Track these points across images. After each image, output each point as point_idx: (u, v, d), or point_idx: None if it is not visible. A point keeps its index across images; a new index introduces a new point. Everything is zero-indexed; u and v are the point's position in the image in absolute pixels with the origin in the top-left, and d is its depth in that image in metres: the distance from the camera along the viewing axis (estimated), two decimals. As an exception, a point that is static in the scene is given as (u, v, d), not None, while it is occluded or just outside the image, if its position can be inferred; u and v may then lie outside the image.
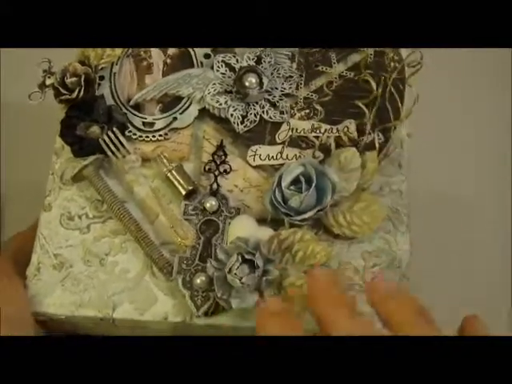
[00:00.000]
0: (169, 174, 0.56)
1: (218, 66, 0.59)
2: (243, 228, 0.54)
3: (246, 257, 0.51)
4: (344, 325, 0.42)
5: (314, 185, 0.52)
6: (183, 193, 0.56)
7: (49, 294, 0.55)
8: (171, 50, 0.61)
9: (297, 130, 0.58)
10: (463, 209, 0.74)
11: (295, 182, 0.53)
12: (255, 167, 0.57)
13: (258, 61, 0.59)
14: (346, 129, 0.57)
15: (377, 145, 0.55)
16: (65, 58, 0.61)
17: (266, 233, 0.54)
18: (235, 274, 0.51)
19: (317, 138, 0.57)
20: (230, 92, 0.58)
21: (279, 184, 0.53)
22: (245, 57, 0.59)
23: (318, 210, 0.53)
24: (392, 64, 0.59)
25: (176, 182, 0.56)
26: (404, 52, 0.59)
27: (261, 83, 0.57)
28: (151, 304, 0.54)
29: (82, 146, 0.57)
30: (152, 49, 0.61)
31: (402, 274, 0.54)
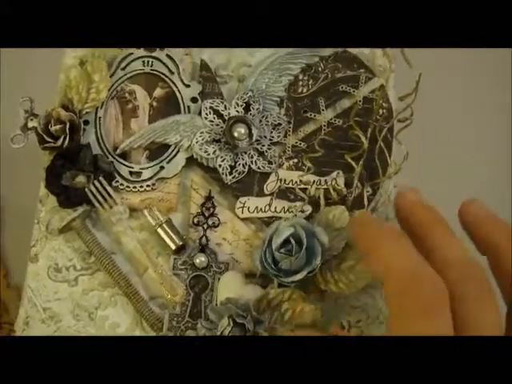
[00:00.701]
0: (159, 229, 0.56)
1: (206, 113, 0.58)
2: (232, 285, 0.55)
3: (237, 320, 0.52)
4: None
5: (304, 247, 0.53)
6: (173, 248, 0.56)
7: (38, 349, 0.55)
8: (157, 92, 0.60)
9: (285, 181, 0.58)
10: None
11: (285, 243, 0.54)
12: (243, 219, 0.58)
13: (247, 107, 0.59)
14: (334, 181, 0.57)
15: (366, 201, 0.56)
16: (45, 88, 0.60)
17: (254, 292, 0.54)
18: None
19: (304, 190, 0.57)
20: (219, 141, 0.58)
21: (269, 245, 0.54)
22: (233, 103, 0.59)
23: (309, 272, 0.53)
24: (380, 111, 0.59)
25: (166, 237, 0.56)
26: (394, 103, 0.59)
27: (250, 134, 0.57)
28: (142, 360, 0.55)
29: (68, 197, 0.57)
30: (136, 89, 0.60)
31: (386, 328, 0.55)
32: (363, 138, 0.57)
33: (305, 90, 0.60)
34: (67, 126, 0.57)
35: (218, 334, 0.51)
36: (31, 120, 0.59)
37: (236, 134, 0.57)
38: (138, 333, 0.55)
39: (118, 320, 0.56)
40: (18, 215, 0.80)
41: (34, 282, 0.57)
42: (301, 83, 0.60)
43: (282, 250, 0.54)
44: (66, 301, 0.56)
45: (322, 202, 0.56)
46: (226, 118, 0.58)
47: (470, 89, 0.81)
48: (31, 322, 0.56)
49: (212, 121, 0.58)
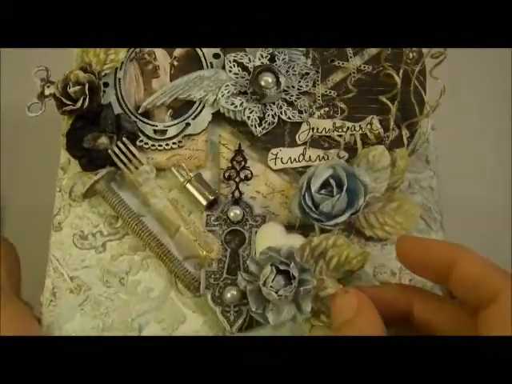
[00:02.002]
0: (188, 185, 0.53)
1: (230, 66, 0.56)
2: (272, 236, 0.51)
3: (281, 267, 0.48)
4: None
5: (345, 188, 0.50)
6: (204, 203, 0.53)
7: (68, 319, 0.51)
8: (177, 52, 0.58)
9: (318, 129, 0.55)
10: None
11: (324, 185, 0.51)
12: (277, 171, 0.54)
13: (272, 59, 0.56)
14: (369, 126, 0.54)
15: (405, 141, 0.53)
16: (60, 61, 0.58)
17: (296, 240, 0.51)
18: (271, 286, 0.48)
19: (339, 136, 0.54)
20: (245, 93, 0.55)
21: (308, 188, 0.50)
22: (257, 55, 0.56)
23: (352, 214, 0.50)
24: (411, 55, 0.56)
25: (196, 192, 0.53)
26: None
27: (278, 82, 0.54)
28: (180, 322, 0.51)
29: (91, 159, 0.54)
30: (156, 50, 0.58)
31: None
32: (397, 78, 0.54)
33: (330, 40, 0.58)
34: (86, 87, 0.54)
35: (261, 283, 0.48)
36: (48, 87, 0.56)
37: (263, 83, 0.54)
38: (173, 295, 0.52)
39: (150, 284, 0.52)
40: (18, 215, 0.77)
41: (58, 252, 0.53)
42: (325, 33, 0.58)
43: (322, 192, 0.50)
44: (94, 268, 0.53)
45: (359, 144, 0.53)
46: (251, 70, 0.55)
47: (470, 89, 0.80)
48: (58, 293, 0.52)
49: (237, 73, 0.56)
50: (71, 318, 0.51)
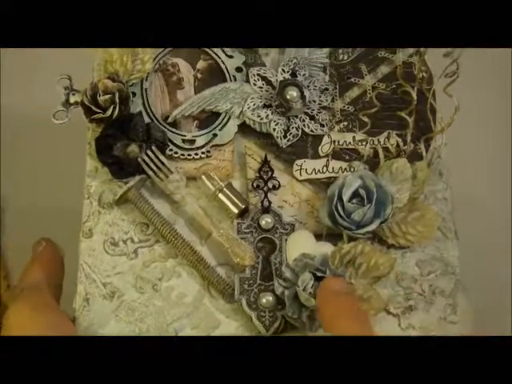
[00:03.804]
0: (220, 194, 0.55)
1: (255, 80, 0.58)
2: (302, 244, 0.53)
3: (318, 274, 0.51)
4: None
5: (374, 197, 0.53)
6: (236, 211, 0.54)
7: (103, 325, 0.52)
8: (200, 64, 0.59)
9: (339, 142, 0.58)
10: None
11: (355, 195, 0.53)
12: (302, 181, 0.57)
13: (293, 74, 0.59)
14: (387, 140, 0.58)
15: (424, 154, 0.56)
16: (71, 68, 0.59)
17: (327, 248, 0.53)
18: (310, 292, 0.50)
19: (362, 149, 0.57)
20: (270, 106, 0.58)
21: (340, 198, 0.53)
22: (279, 70, 0.59)
23: (381, 222, 0.53)
24: (420, 74, 0.60)
25: (228, 201, 0.54)
26: (430, 63, 0.60)
27: (302, 96, 0.57)
28: (214, 328, 0.52)
29: (122, 167, 0.54)
30: (179, 62, 0.59)
31: (457, 279, 0.55)
32: (414, 94, 0.58)
33: (345, 58, 0.61)
34: (116, 96, 0.55)
35: (301, 289, 0.50)
36: (73, 95, 0.57)
37: (289, 97, 0.57)
38: (206, 300, 0.53)
39: (184, 290, 0.53)
40: (18, 216, 0.77)
41: (90, 258, 0.54)
42: (341, 51, 0.61)
43: (353, 201, 0.53)
44: (127, 274, 0.53)
45: (382, 156, 0.56)
46: (275, 84, 0.58)
47: (469, 89, 0.83)
48: (91, 299, 0.52)
49: (261, 87, 0.58)
50: (106, 324, 0.52)
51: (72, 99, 0.57)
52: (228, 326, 0.52)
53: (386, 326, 0.53)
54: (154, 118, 0.57)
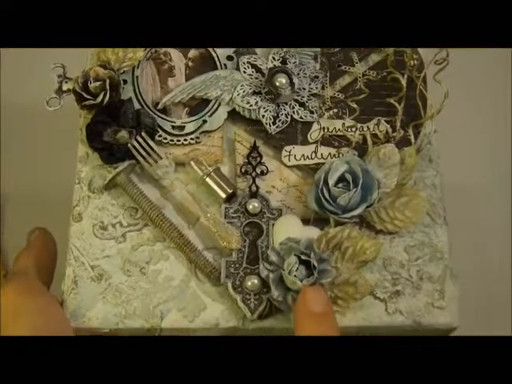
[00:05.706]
0: (207, 178, 0.55)
1: (245, 68, 0.59)
2: (289, 228, 0.54)
3: (302, 257, 0.51)
4: None
5: (361, 182, 0.53)
6: (223, 196, 0.55)
7: (90, 307, 0.52)
8: (191, 53, 0.60)
9: (328, 129, 0.58)
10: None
11: (341, 179, 0.54)
12: (290, 167, 0.57)
13: (284, 62, 0.59)
14: (376, 126, 0.58)
15: (413, 140, 0.56)
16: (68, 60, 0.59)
17: (312, 232, 0.53)
18: (295, 275, 0.50)
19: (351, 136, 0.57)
20: (259, 93, 0.58)
21: (326, 182, 0.53)
22: (270, 58, 0.59)
23: (366, 207, 0.53)
24: (412, 62, 0.60)
25: (215, 186, 0.55)
26: (421, 50, 0.60)
27: (291, 83, 0.57)
28: (200, 310, 0.53)
29: (111, 153, 0.55)
30: (171, 52, 0.60)
31: (445, 265, 0.55)
32: (403, 82, 0.58)
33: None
34: (107, 83, 0.56)
35: (286, 272, 0.50)
36: (66, 83, 0.58)
37: (278, 84, 0.57)
38: (193, 283, 0.53)
39: (171, 273, 0.54)
40: (18, 215, 0.78)
41: (79, 241, 0.54)
42: (332, 40, 0.61)
43: (339, 186, 0.53)
44: (115, 257, 0.54)
45: (370, 142, 0.56)
46: (265, 71, 0.58)
47: (469, 89, 0.83)
48: (80, 281, 0.53)
49: (251, 74, 0.59)
50: (93, 306, 0.52)
51: (65, 86, 0.58)
52: (214, 308, 0.53)
53: (373, 311, 0.53)
54: (144, 105, 0.57)
